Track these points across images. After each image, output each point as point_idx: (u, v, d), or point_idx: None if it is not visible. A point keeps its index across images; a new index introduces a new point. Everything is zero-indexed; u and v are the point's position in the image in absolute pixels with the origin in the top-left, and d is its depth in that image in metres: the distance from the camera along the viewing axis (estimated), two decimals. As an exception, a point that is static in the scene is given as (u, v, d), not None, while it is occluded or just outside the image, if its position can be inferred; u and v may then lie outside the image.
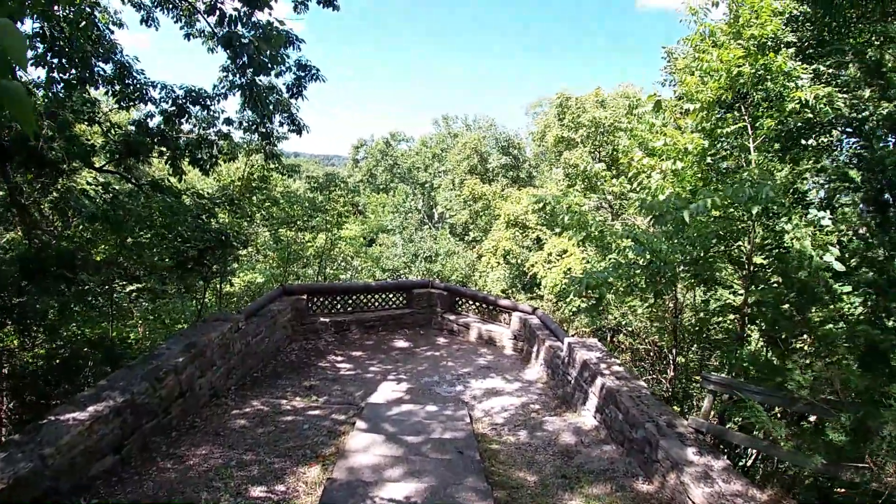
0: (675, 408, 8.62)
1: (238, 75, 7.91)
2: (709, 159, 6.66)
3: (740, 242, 6.82)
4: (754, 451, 6.80)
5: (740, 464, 7.27)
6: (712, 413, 5.91)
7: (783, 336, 6.30)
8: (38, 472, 4.08)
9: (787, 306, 5.90)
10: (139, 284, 8.95)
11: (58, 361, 7.59)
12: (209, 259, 8.40)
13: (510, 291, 21.97)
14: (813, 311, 6.10)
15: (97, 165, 10.46)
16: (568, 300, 14.34)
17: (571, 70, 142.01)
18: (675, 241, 5.44)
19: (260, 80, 10.26)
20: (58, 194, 9.50)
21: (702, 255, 5.91)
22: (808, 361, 6.34)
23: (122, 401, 5.19)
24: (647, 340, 10.85)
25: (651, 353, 10.95)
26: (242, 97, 8.32)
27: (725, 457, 5.24)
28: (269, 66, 7.67)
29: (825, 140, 8.28)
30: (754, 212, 4.84)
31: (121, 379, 5.62)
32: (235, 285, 15.26)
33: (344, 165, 56.17)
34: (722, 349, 7.52)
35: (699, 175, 6.67)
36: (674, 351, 8.55)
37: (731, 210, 5.73)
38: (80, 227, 9.69)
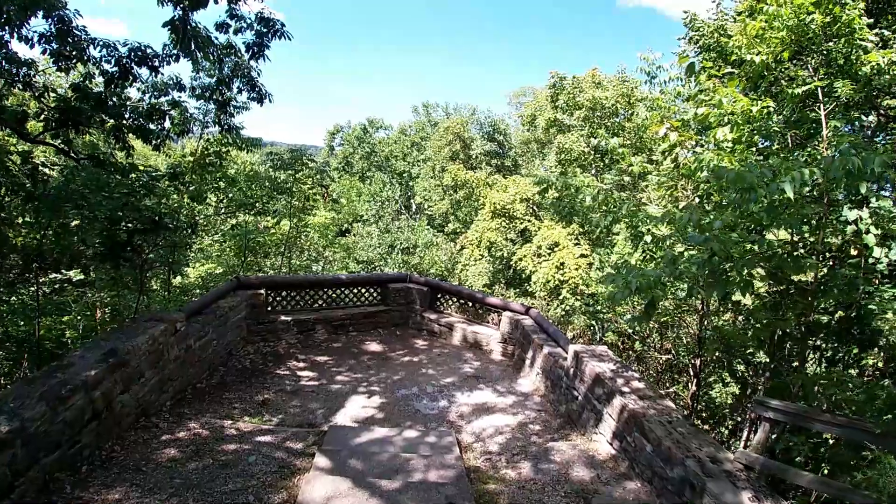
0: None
1: (173, 7, 6.35)
2: (774, 126, 5.44)
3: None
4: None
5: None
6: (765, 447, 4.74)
7: (854, 351, 5.17)
8: None
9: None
10: (58, 275, 7.40)
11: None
12: (141, 244, 6.89)
13: (494, 287, 20.65)
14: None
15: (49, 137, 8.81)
16: (561, 298, 13.15)
17: (553, 64, 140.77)
18: (765, 220, 4.25)
19: (216, 38, 8.81)
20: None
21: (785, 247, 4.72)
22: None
23: (7, 430, 3.83)
24: (661, 348, 9.60)
25: (664, 364, 9.67)
26: (173, 34, 6.78)
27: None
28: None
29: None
30: (863, 190, 3.66)
31: (13, 398, 4.21)
32: (191, 277, 13.63)
33: (319, 154, 54.06)
34: (772, 367, 6.35)
35: (753, 151, 5.46)
36: (698, 362, 7.32)
37: (812, 187, 4.56)
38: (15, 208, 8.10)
